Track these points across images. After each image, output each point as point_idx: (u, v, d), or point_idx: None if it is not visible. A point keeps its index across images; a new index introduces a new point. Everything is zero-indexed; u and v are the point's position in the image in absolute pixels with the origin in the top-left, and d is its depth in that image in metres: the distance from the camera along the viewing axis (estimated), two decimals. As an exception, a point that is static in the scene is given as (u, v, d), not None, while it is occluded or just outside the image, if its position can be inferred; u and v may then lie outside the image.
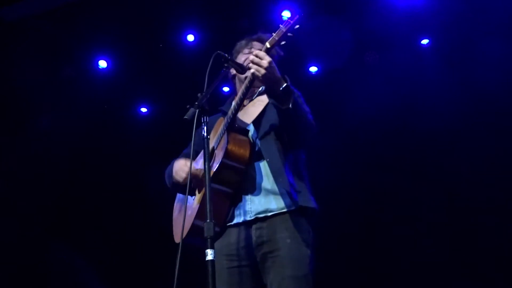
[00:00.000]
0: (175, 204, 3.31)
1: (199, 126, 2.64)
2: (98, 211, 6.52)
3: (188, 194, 2.73)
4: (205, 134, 2.64)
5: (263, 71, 2.68)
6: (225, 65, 2.94)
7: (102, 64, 6.33)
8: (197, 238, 2.71)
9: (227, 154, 2.81)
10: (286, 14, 5.81)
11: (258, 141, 2.95)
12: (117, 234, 6.45)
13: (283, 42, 2.76)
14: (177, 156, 3.32)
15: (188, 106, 2.66)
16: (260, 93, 3.14)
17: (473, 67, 5.65)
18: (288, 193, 2.81)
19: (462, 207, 5.67)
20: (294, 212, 2.84)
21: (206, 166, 2.57)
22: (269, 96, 2.88)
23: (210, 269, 2.40)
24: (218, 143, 2.94)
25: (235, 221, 2.90)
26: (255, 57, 2.69)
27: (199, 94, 2.70)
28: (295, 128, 2.88)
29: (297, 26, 2.64)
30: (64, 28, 5.90)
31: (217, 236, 2.75)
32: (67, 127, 6.40)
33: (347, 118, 5.85)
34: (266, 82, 2.77)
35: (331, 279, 5.39)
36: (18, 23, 5.86)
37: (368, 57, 5.95)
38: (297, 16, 2.62)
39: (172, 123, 5.47)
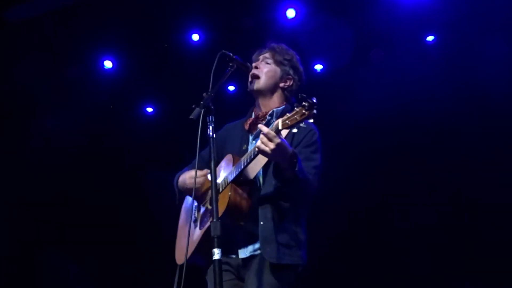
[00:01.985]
0: (180, 224, 3.35)
1: (204, 125, 2.65)
2: (100, 212, 6.54)
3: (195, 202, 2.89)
4: (210, 133, 2.65)
5: (268, 151, 2.66)
6: (230, 64, 2.96)
7: (108, 64, 6.35)
8: (196, 260, 3.00)
9: (228, 207, 2.84)
10: (290, 14, 5.82)
11: (259, 194, 2.98)
12: (118, 235, 6.47)
13: (294, 130, 2.72)
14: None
15: (193, 106, 2.67)
16: (271, 119, 3.15)
17: (478, 64, 5.62)
18: (271, 256, 2.87)
19: (466, 205, 5.66)
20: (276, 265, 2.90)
21: (212, 166, 2.59)
22: (274, 174, 2.88)
23: (216, 268, 2.41)
24: (223, 190, 2.95)
25: (225, 259, 2.96)
26: (264, 138, 2.67)
27: (204, 94, 2.70)
28: (293, 197, 2.94)
29: (312, 120, 2.57)
30: (69, 28, 5.91)
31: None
32: (73, 127, 6.42)
33: (352, 115, 5.84)
34: (272, 159, 2.79)
35: (331, 279, 5.42)
36: (23, 25, 5.88)
37: (373, 54, 5.93)
38: (314, 112, 2.53)
39: (177, 122, 5.49)
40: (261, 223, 2.91)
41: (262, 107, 3.24)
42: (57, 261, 6.24)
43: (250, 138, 3.19)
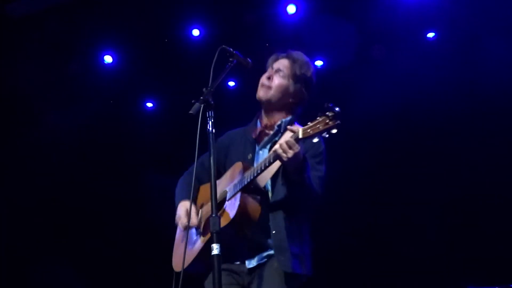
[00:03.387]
0: (178, 231, 3.32)
1: (204, 121, 2.64)
2: (100, 210, 6.54)
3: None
4: (210, 128, 2.65)
5: (285, 158, 2.69)
6: (230, 59, 2.94)
7: (108, 59, 6.34)
8: (196, 269, 2.98)
9: (236, 216, 2.81)
10: (291, 9, 5.81)
11: (269, 203, 2.98)
12: (118, 235, 6.47)
13: (315, 140, 2.69)
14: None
15: (193, 101, 2.67)
16: (279, 130, 3.14)
17: (479, 61, 5.61)
18: (286, 266, 2.87)
19: (465, 204, 5.65)
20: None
21: (212, 159, 2.60)
22: (282, 174, 2.89)
23: (215, 263, 2.41)
24: (231, 197, 2.93)
25: (228, 266, 2.96)
26: (285, 144, 2.68)
27: (204, 89, 2.70)
28: (298, 201, 2.95)
29: (335, 131, 2.58)
30: (69, 24, 5.90)
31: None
32: (72, 122, 6.41)
33: (353, 111, 5.82)
34: (286, 165, 2.78)
35: (330, 279, 5.41)
36: (23, 20, 5.87)
37: (375, 50, 5.92)
38: (338, 122, 2.55)
39: (177, 117, 5.48)
40: (273, 232, 2.91)
41: (267, 116, 3.21)
42: (53, 261, 6.23)
43: (257, 147, 3.17)
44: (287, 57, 3.23)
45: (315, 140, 2.67)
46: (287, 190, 2.88)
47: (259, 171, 2.85)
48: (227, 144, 3.27)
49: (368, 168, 5.97)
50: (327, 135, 2.59)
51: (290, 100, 3.18)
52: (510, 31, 5.51)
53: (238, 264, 2.98)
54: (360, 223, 5.91)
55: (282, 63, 3.21)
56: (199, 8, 5.96)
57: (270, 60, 3.29)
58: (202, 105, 2.64)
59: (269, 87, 3.16)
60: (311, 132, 2.61)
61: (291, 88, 3.17)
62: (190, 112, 2.64)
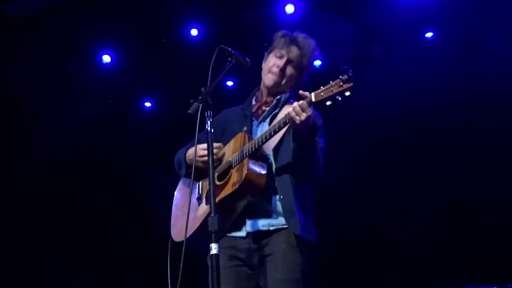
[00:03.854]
0: (176, 203, 3.32)
1: (202, 120, 2.64)
2: (100, 208, 6.54)
3: (195, 180, 2.88)
4: (208, 128, 2.65)
5: (298, 121, 2.73)
6: (229, 59, 2.95)
7: (106, 59, 6.34)
8: (197, 239, 2.91)
9: (244, 182, 2.82)
10: (289, 9, 5.81)
11: (273, 172, 3.00)
12: (117, 234, 6.46)
13: (328, 103, 2.72)
14: (176, 152, 3.34)
15: (192, 101, 2.67)
16: (278, 104, 3.20)
17: (478, 60, 5.62)
18: (296, 228, 2.88)
19: (464, 204, 5.66)
20: (291, 232, 2.91)
21: (210, 160, 2.59)
22: (293, 139, 2.90)
23: (214, 263, 2.41)
24: (237, 165, 2.94)
25: (234, 234, 2.97)
26: (298, 107, 2.72)
27: (202, 89, 2.70)
28: (305, 169, 2.96)
29: (348, 94, 2.61)
30: (68, 23, 5.89)
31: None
32: (71, 122, 6.41)
33: (351, 112, 5.82)
34: (298, 129, 2.82)
35: (331, 279, 5.42)
36: (22, 19, 5.86)
37: (373, 50, 5.92)
38: (352, 84, 2.59)
39: (176, 117, 5.48)
40: (281, 196, 2.92)
41: (268, 95, 3.27)
42: (53, 261, 6.23)
43: (255, 122, 3.21)
44: (297, 45, 3.28)
45: (328, 103, 2.70)
46: (296, 157, 2.90)
47: (268, 137, 2.88)
48: (222, 122, 3.29)
49: (366, 168, 5.98)
50: (340, 98, 2.64)
51: (293, 83, 3.28)
52: (508, 30, 5.52)
53: (244, 239, 2.95)
54: (360, 223, 5.92)
55: (294, 52, 3.25)
56: (198, 8, 5.95)
57: (280, 42, 3.30)
58: (201, 105, 2.64)
59: (281, 77, 3.22)
60: (324, 95, 2.67)
61: (297, 76, 3.28)
62: (188, 111, 2.64)
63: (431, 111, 5.87)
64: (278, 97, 3.22)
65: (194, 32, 6.12)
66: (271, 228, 2.92)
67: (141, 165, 6.53)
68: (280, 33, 3.34)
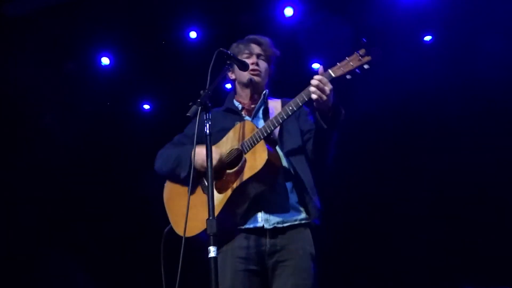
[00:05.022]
0: (172, 197, 3.28)
1: (201, 123, 2.64)
2: (98, 210, 6.53)
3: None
4: (207, 131, 2.65)
5: (324, 97, 2.76)
6: (228, 62, 2.97)
7: (105, 61, 6.34)
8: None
9: (266, 163, 2.82)
10: (288, 12, 5.81)
11: (284, 156, 3.02)
12: (117, 233, 6.45)
13: (348, 77, 2.76)
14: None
15: (190, 103, 2.67)
16: (264, 98, 3.26)
17: (476, 63, 5.62)
18: (309, 209, 2.96)
19: (464, 204, 5.66)
20: (306, 225, 2.96)
21: (209, 163, 2.59)
22: (319, 117, 2.90)
23: (212, 266, 2.41)
24: (249, 150, 2.93)
25: (249, 226, 2.95)
26: (320, 83, 2.73)
27: (201, 91, 2.71)
28: (324, 149, 3.01)
29: (367, 67, 2.66)
30: (66, 25, 5.90)
31: (227, 235, 2.88)
32: (69, 124, 6.41)
33: (349, 113, 5.82)
34: (323, 106, 2.83)
35: (330, 279, 5.40)
36: (20, 20, 5.86)
37: (372, 53, 5.91)
38: (370, 58, 2.65)
39: (174, 120, 5.47)
40: (294, 181, 2.99)
41: (252, 95, 3.30)
42: (56, 262, 6.22)
43: (248, 118, 3.21)
44: (255, 42, 3.37)
45: (348, 77, 2.75)
46: (318, 136, 2.94)
47: (284, 117, 2.88)
48: (220, 113, 3.29)
49: (366, 168, 5.98)
50: (359, 71, 2.69)
51: (267, 77, 3.36)
52: (506, 34, 5.53)
53: (257, 237, 2.93)
54: (360, 222, 5.92)
55: (256, 49, 3.34)
56: (197, 11, 5.96)
57: (239, 48, 3.37)
58: (200, 108, 2.64)
59: (260, 72, 3.29)
60: (343, 70, 2.71)
61: (269, 69, 3.36)
62: (187, 114, 2.65)
63: (430, 113, 5.88)
64: (264, 92, 3.30)
65: (193, 34, 6.12)
66: (285, 225, 2.93)
67: (140, 168, 6.52)
68: (233, 44, 3.44)
